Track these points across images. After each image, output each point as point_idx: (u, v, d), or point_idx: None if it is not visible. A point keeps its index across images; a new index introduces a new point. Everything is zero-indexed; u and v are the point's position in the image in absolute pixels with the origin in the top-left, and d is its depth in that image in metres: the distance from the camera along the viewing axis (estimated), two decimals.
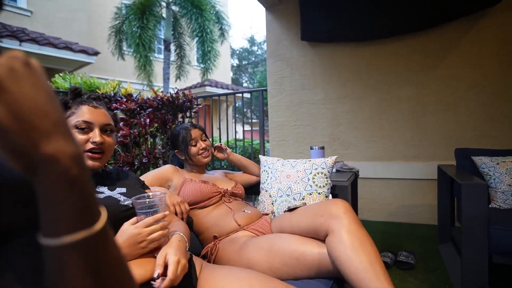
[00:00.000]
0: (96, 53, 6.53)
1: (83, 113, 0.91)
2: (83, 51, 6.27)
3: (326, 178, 1.50)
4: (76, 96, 0.97)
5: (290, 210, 1.25)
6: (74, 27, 7.31)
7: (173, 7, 7.85)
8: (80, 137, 0.90)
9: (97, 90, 3.09)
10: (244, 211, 1.33)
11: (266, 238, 1.14)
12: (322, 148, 1.85)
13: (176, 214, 1.20)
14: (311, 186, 1.47)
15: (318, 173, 1.50)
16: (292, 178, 1.52)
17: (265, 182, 1.60)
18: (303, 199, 1.45)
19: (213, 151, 1.60)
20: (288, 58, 3.28)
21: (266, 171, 1.63)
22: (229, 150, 1.63)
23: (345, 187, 1.53)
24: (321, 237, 1.06)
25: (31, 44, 5.56)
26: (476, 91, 2.63)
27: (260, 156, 1.76)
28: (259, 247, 1.09)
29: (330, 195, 1.51)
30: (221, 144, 1.62)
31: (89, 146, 0.90)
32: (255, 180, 1.69)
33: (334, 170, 1.96)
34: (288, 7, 3.23)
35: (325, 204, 1.10)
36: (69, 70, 6.32)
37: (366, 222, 2.85)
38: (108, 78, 4.03)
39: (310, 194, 1.46)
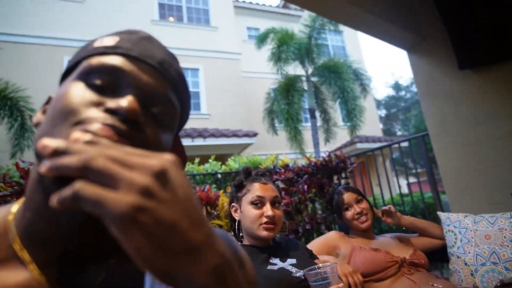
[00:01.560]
0: (255, 134, 7.68)
1: (255, 190, 1.06)
2: (246, 135, 7.53)
3: None
4: (247, 175, 1.14)
5: (506, 285, 0.93)
6: (237, 117, 8.97)
7: (313, 79, 8.53)
8: (255, 212, 1.04)
9: (260, 166, 3.52)
10: (433, 285, 1.08)
11: None
12: None
13: (349, 286, 1.10)
14: None
15: None
16: (494, 239, 1.17)
17: (454, 245, 1.29)
18: None
19: (381, 216, 1.45)
20: (447, 94, 2.84)
21: (453, 231, 1.32)
22: (398, 213, 1.43)
23: None
24: None
25: (211, 138, 7.15)
26: None
27: (438, 213, 1.46)
28: None
29: None
30: (389, 207, 1.45)
31: (264, 220, 1.02)
32: (438, 244, 1.39)
33: None
34: (433, 40, 2.93)
35: None
36: (237, 152, 7.61)
37: None
38: (267, 153, 4.59)
39: None
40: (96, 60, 0.36)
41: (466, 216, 1.33)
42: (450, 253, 1.30)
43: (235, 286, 0.27)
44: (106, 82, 0.36)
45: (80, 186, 0.22)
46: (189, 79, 8.84)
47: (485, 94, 2.61)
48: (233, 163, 3.72)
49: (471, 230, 1.26)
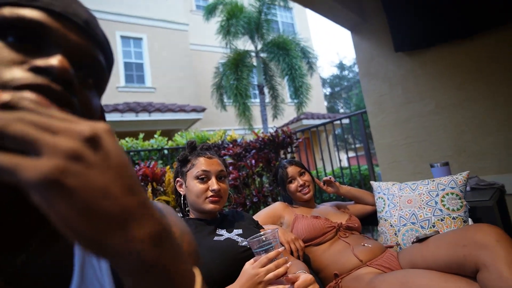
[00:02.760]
0: (203, 110, 7.52)
1: (200, 164, 1.05)
2: (194, 110, 7.33)
3: (460, 199, 1.25)
4: (192, 149, 1.12)
5: (420, 240, 1.08)
6: (185, 92, 8.67)
7: (262, 54, 8.51)
8: (200, 186, 1.03)
9: (208, 141, 3.49)
10: (364, 245, 1.22)
11: (396, 274, 0.99)
12: (446, 164, 1.58)
13: (291, 251, 1.18)
14: (441, 210, 1.25)
15: (447, 194, 1.28)
16: (414, 203, 1.34)
17: (382, 210, 1.45)
18: (433, 226, 1.24)
19: (322, 185, 1.56)
20: (384, 74, 3.07)
21: (382, 198, 1.48)
22: (337, 183, 1.55)
23: (489, 208, 1.25)
24: (467, 273, 0.86)
25: (157, 113, 6.83)
26: None
27: (371, 182, 1.61)
28: (390, 285, 0.96)
29: (470, 220, 1.25)
30: (329, 178, 1.56)
31: (209, 193, 1.03)
32: (370, 210, 1.55)
33: (468, 188, 1.64)
34: (374, 23, 3.10)
35: (466, 230, 0.91)
36: (185, 128, 7.41)
37: None
38: (215, 129, 4.54)
39: (442, 220, 1.24)
40: (10, 12, 0.30)
41: (394, 184, 1.49)
42: (379, 217, 1.46)
43: (172, 251, 0.26)
44: (26, 39, 0.31)
45: None
46: (132, 49, 8.19)
47: (416, 76, 2.87)
48: (180, 139, 3.63)
49: (397, 196, 1.42)
